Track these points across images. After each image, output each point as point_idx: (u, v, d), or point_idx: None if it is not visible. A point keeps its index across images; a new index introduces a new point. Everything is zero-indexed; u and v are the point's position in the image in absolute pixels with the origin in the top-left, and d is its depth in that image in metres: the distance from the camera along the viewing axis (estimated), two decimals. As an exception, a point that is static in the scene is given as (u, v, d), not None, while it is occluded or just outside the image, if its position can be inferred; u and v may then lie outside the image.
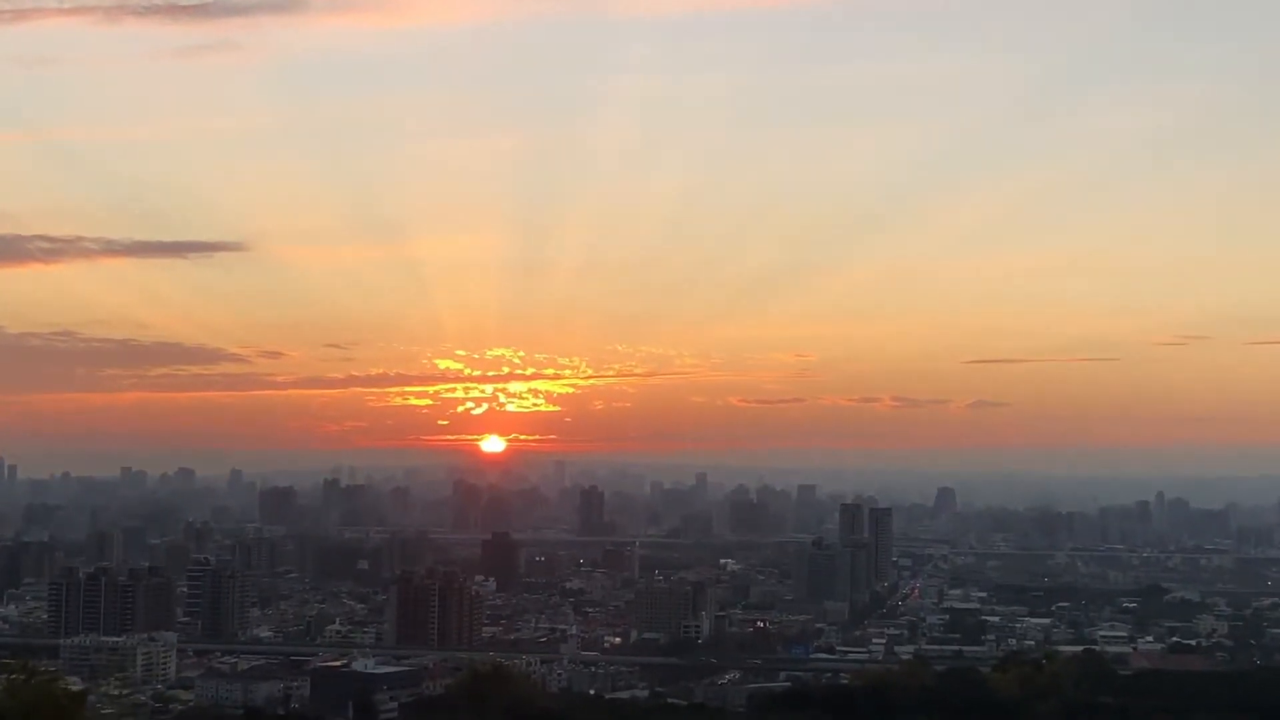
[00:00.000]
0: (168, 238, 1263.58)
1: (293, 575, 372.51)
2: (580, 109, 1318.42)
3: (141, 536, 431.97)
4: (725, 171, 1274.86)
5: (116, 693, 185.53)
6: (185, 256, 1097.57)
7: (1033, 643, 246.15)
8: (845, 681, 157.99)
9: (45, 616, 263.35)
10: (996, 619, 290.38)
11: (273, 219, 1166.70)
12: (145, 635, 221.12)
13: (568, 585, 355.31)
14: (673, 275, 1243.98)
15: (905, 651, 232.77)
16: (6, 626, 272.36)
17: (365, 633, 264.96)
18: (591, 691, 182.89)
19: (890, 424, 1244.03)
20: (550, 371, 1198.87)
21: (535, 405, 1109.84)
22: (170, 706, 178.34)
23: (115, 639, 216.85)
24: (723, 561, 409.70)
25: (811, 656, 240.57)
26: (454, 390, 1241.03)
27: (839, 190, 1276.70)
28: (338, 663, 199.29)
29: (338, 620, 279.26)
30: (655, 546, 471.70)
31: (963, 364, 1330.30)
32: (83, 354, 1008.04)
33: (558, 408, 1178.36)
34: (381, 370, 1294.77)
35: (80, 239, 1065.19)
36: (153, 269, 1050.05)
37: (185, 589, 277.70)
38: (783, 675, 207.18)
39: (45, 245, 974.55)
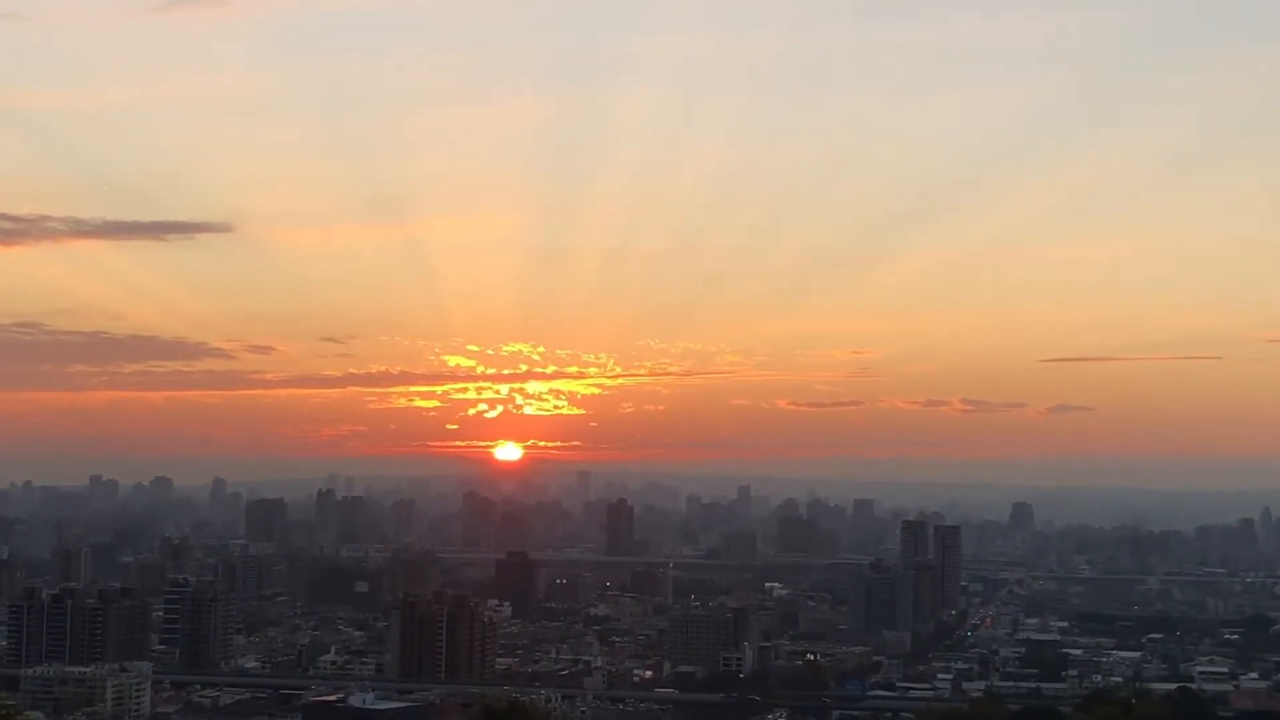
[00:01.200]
0: (144, 217, 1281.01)
1: (283, 598, 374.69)
2: (610, 73, 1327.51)
3: (112, 554, 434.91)
4: (773, 145, 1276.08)
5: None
6: (163, 239, 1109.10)
7: (1120, 679, 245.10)
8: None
9: (4, 643, 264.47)
10: (1079, 652, 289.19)
11: (262, 197, 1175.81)
12: (116, 665, 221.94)
13: (593, 611, 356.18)
14: (713, 262, 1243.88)
15: (975, 689, 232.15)
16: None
17: (364, 663, 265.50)
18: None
19: (959, 430, 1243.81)
20: (573, 370, 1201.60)
21: (556, 408, 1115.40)
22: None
23: (83, 669, 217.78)
24: (768, 585, 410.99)
25: (868, 694, 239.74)
26: (465, 390, 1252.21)
27: (901, 166, 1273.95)
28: (333, 697, 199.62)
29: (333, 649, 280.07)
30: (692, 568, 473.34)
31: (1041, 362, 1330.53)
32: (47, 348, 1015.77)
33: (582, 411, 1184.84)
34: (383, 368, 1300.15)
35: (45, 219, 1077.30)
36: (127, 252, 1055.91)
37: (161, 613, 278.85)
38: (836, 715, 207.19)
39: (5, 225, 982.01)
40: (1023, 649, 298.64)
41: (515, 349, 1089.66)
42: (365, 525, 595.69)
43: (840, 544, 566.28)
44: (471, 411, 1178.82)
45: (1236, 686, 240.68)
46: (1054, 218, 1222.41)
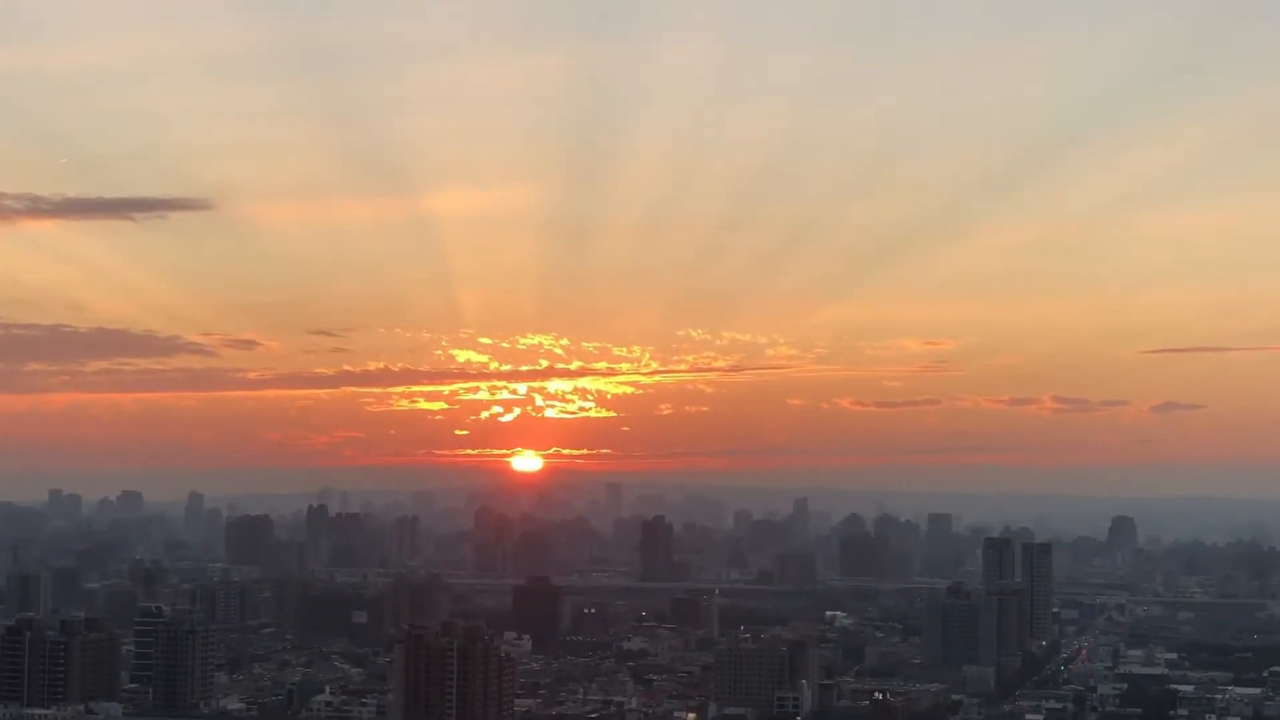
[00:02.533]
0: (109, 193, 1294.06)
1: (270, 630, 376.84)
2: (646, 19, 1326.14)
3: (76, 579, 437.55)
4: (837, 102, 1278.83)
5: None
6: (131, 218, 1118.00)
7: (1239, 719, 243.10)
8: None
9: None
10: (1190, 688, 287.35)
11: (244, 169, 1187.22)
12: (82, 707, 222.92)
13: (626, 645, 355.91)
14: (766, 239, 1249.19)
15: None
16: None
17: (363, 704, 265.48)
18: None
19: (1050, 433, 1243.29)
20: (603, 366, 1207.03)
21: (583, 410, 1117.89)
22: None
23: (43, 711, 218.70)
24: (829, 614, 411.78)
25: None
26: (477, 391, 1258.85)
27: (985, 126, 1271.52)
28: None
29: (328, 688, 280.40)
30: (740, 595, 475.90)
31: (1144, 353, 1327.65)
32: (0, 344, 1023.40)
33: (612, 413, 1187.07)
34: (383, 364, 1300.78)
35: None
36: (90, 234, 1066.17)
37: (132, 647, 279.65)
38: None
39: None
40: (1124, 685, 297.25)
41: (535, 341, 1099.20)
42: (363, 546, 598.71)
43: (912, 566, 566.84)
44: (484, 415, 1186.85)
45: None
46: (1162, 185, 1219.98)
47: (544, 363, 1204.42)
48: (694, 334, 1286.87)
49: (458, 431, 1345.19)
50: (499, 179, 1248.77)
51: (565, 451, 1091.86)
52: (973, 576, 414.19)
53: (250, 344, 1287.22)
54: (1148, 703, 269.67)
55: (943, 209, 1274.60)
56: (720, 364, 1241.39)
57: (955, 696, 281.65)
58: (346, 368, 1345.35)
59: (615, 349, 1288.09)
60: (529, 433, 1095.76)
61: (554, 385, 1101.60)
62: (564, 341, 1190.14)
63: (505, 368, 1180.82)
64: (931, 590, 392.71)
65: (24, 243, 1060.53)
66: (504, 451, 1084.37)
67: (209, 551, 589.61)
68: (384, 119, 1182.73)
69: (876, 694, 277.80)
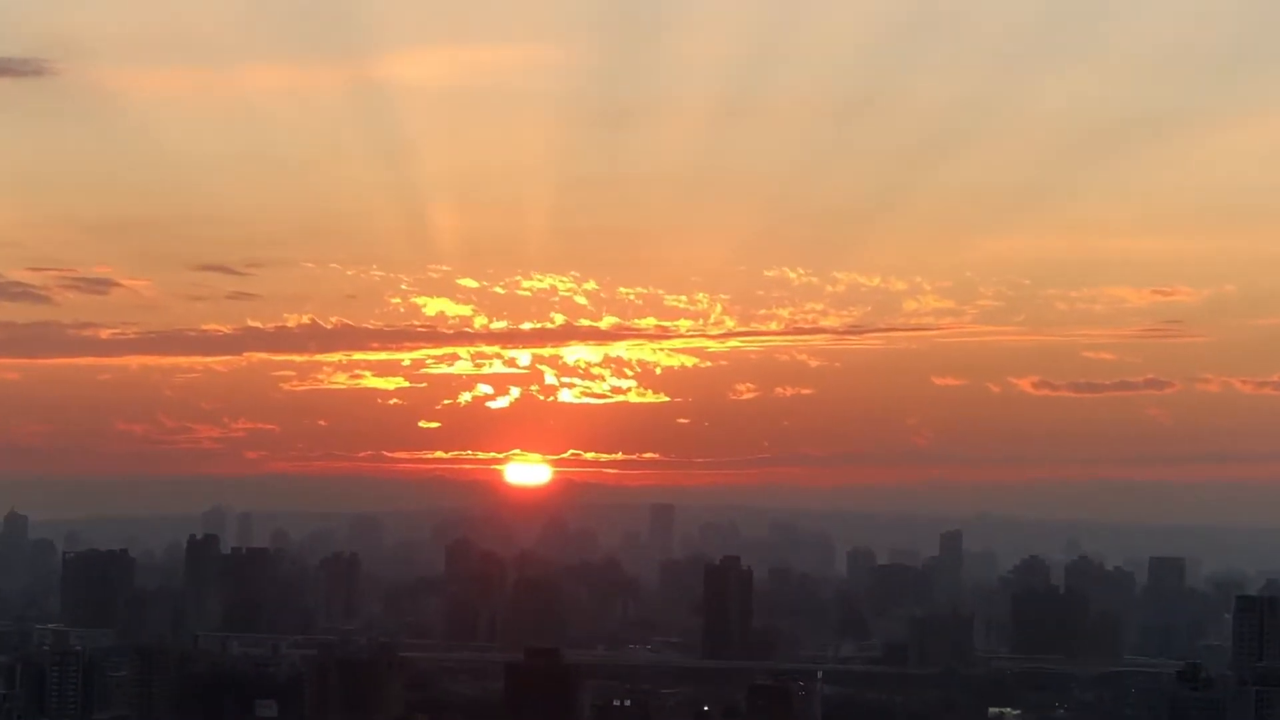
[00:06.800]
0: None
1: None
2: None
3: None
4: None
5: None
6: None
7: None
8: None
9: None
10: None
11: (100, 18, 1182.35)
12: None
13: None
14: (897, 132, 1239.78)
15: None
16: None
17: None
18: None
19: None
20: (650, 324, 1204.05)
21: (618, 393, 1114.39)
22: None
23: None
24: (994, 712, 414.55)
25: None
26: (453, 360, 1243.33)
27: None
28: None
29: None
30: (857, 680, 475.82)
31: None
32: None
33: (664, 397, 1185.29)
34: (308, 318, 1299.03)
35: None
36: None
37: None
38: None
39: None
40: None
41: (545, 285, 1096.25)
42: (273, 599, 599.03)
43: (1124, 636, 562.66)
44: (465, 397, 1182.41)
45: None
46: None
47: (558, 318, 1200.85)
48: (791, 275, 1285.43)
49: (423, 424, 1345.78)
50: (493, 35, 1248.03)
51: (588, 456, 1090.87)
52: (1219, 655, 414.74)
53: (104, 285, 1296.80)
54: None
55: (1173, 85, 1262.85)
56: (831, 322, 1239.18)
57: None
58: (252, 323, 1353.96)
59: (669, 298, 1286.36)
60: (533, 426, 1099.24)
61: (573, 353, 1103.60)
62: (590, 286, 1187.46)
63: (498, 326, 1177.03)
64: (1154, 675, 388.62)
65: None
66: (494, 455, 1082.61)
67: (35, 602, 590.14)
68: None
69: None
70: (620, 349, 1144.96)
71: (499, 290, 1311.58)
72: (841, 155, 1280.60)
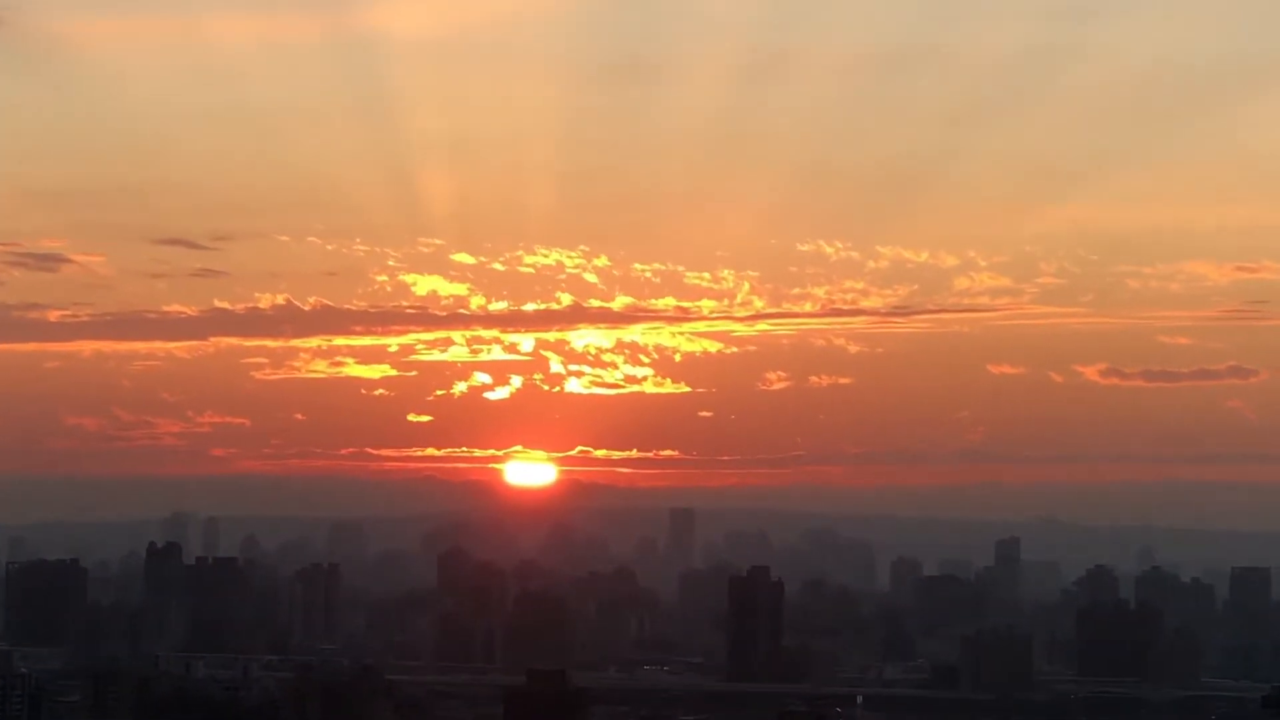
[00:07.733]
0: None
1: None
2: None
3: None
4: None
5: None
6: None
7: None
8: None
9: None
10: None
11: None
12: None
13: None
14: (945, 87, 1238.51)
15: None
16: None
17: None
18: None
19: None
20: (669, 304, 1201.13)
21: (632, 382, 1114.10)
22: None
23: None
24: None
25: None
26: (447, 346, 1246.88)
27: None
28: None
29: None
30: (903, 707, 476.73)
31: None
32: None
33: (685, 387, 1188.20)
34: (282, 298, 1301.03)
35: None
36: None
37: None
38: None
39: None
40: None
41: (551, 261, 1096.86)
42: (243, 616, 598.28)
43: (1203, 654, 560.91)
44: (459, 387, 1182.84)
45: None
46: None
47: (565, 299, 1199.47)
48: (827, 249, 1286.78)
49: (412, 417, 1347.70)
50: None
51: (598, 454, 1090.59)
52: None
53: (52, 261, 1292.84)
54: None
55: (1271, 33, 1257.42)
56: (873, 303, 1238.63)
57: None
58: (219, 303, 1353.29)
59: (691, 275, 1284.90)
60: (537, 420, 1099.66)
61: (582, 338, 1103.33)
62: (600, 262, 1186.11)
63: (497, 307, 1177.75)
64: (1237, 700, 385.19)
65: None
66: (492, 453, 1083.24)
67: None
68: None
69: None
70: (635, 333, 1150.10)
71: (498, 267, 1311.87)
72: (885, 113, 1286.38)
